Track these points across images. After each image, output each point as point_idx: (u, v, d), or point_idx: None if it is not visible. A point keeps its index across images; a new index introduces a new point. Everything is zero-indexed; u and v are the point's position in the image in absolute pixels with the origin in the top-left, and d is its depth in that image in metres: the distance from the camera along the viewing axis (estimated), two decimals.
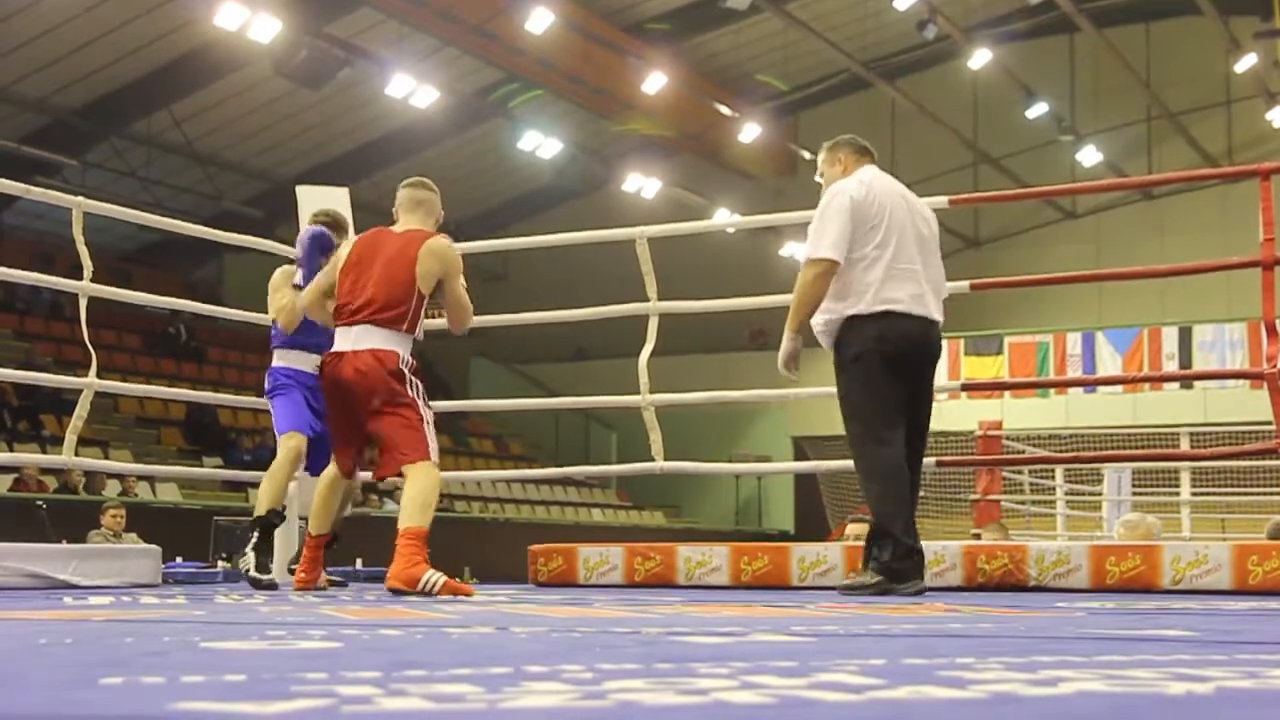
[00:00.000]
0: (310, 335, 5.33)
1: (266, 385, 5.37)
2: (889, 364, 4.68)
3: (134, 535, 9.66)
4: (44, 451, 13.96)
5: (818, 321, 4.78)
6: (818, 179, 5.07)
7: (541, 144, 19.85)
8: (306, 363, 5.36)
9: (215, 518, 9.12)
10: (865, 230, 4.70)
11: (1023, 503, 12.27)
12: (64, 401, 15.11)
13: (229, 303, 10.23)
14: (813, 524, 20.13)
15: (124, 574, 5.10)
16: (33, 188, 5.56)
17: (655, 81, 18.67)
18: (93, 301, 5.26)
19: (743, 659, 1.75)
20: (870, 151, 5.03)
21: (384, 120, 19.93)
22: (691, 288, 6.34)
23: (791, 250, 22.23)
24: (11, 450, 13.93)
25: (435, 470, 4.72)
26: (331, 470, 4.97)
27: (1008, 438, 11.43)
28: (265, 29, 15.18)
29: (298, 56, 16.04)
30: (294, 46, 15.92)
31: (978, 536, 8.88)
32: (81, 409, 5.16)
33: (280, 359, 5.39)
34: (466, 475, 14.33)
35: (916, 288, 4.75)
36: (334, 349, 4.75)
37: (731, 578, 5.46)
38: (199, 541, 8.89)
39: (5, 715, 1.24)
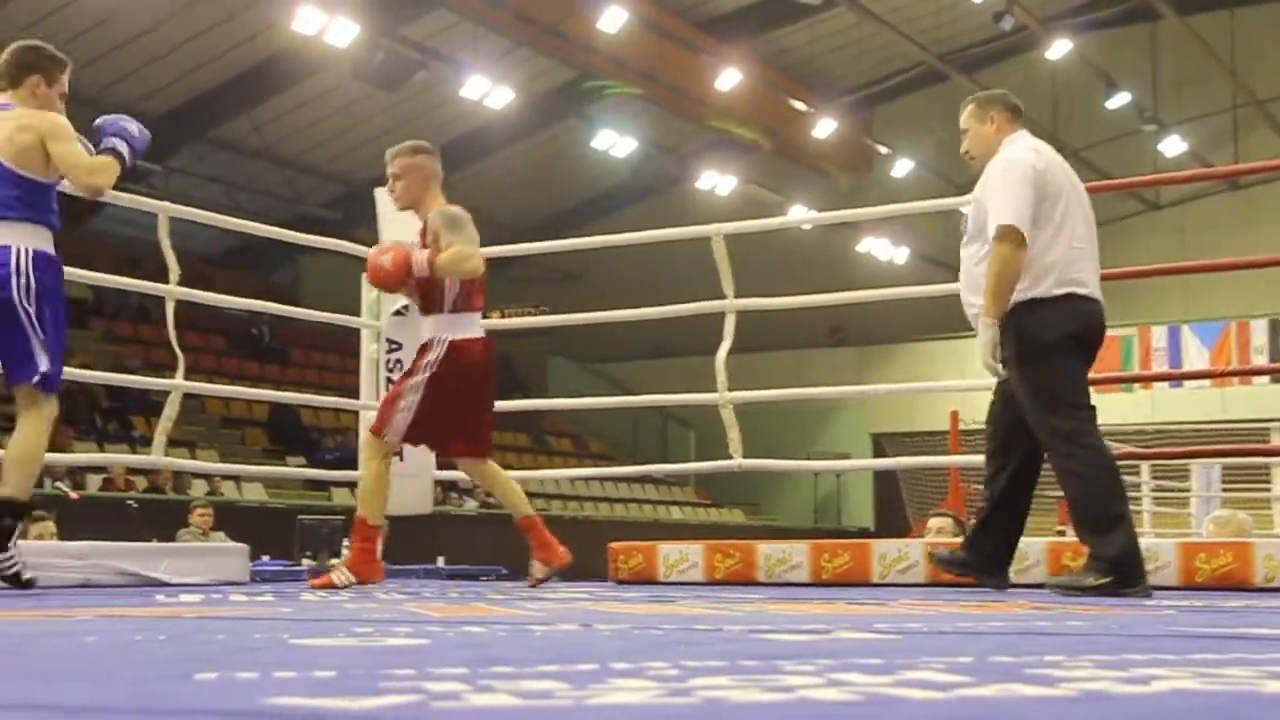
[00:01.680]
0: None
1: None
2: (1082, 350, 4.33)
3: (221, 534, 9.81)
4: (133, 452, 14.21)
5: (975, 304, 4.40)
6: (962, 137, 4.75)
7: (616, 143, 19.88)
8: None
9: (299, 516, 9.24)
10: (1045, 204, 4.31)
11: None
12: (152, 403, 15.37)
13: (307, 304, 10.35)
14: (892, 520, 20.01)
15: (213, 572, 5.18)
16: (120, 194, 5.65)
17: (729, 78, 18.63)
18: (179, 304, 5.34)
19: (827, 656, 1.75)
20: (1023, 112, 4.71)
21: (459, 122, 20.06)
22: (768, 284, 6.32)
23: (869, 246, 22.12)
24: (102, 450, 14.20)
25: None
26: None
27: None
28: (342, 33, 15.34)
29: (374, 60, 16.19)
30: (371, 50, 16.07)
31: (1062, 533, 8.78)
32: (170, 410, 5.24)
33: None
34: (545, 474, 14.37)
35: (1095, 268, 4.41)
36: (477, 335, 4.89)
37: (812, 575, 5.44)
38: (284, 540, 9.02)
39: (103, 709, 1.27)
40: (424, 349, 4.86)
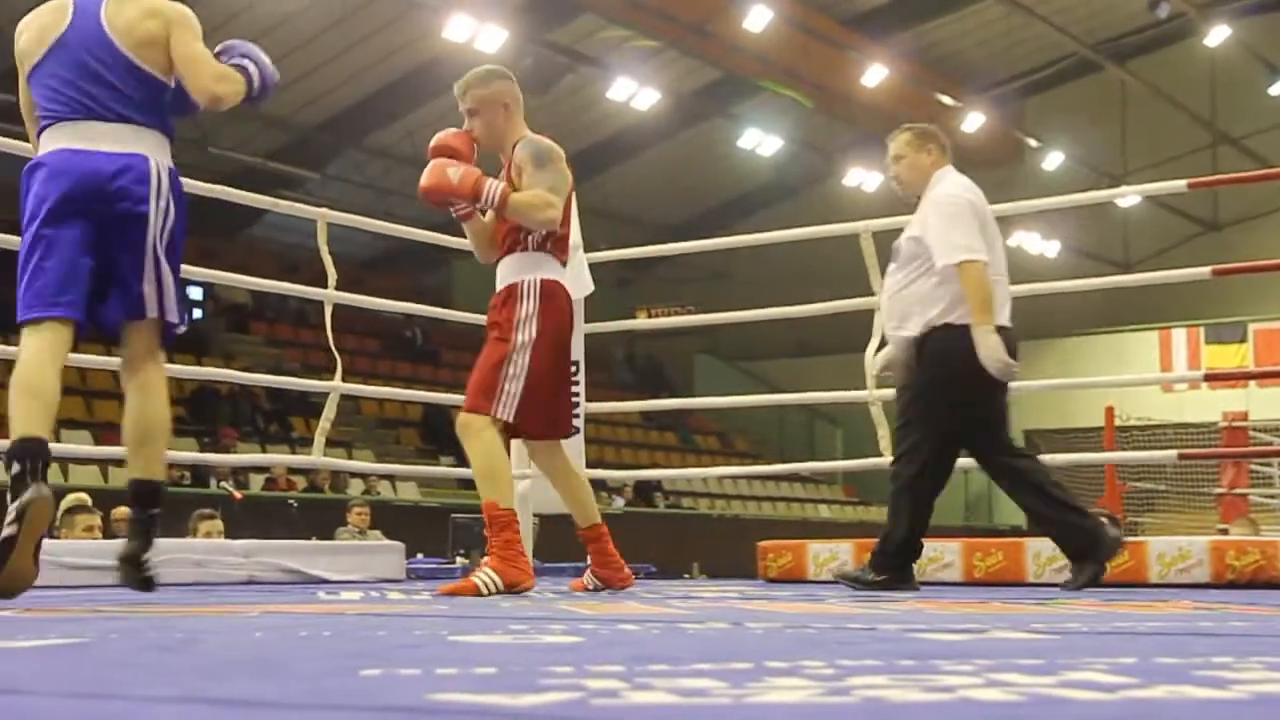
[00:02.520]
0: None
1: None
2: (998, 381, 4.47)
3: (378, 532, 10.00)
4: (293, 452, 14.58)
5: (913, 327, 4.52)
6: (891, 162, 4.92)
7: (761, 141, 19.82)
8: None
9: (453, 515, 9.38)
10: (979, 238, 4.53)
11: (1273, 496, 11.72)
12: (310, 404, 15.74)
13: (458, 306, 10.50)
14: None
15: (370, 569, 5.29)
16: (280, 201, 5.81)
17: (875, 74, 18.45)
18: (335, 308, 5.46)
19: (986, 656, 1.72)
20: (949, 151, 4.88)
21: (607, 123, 20.18)
22: None
23: (1019, 239, 21.72)
24: (264, 451, 14.60)
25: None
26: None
27: (1254, 429, 10.94)
28: (492, 39, 15.54)
29: (523, 65, 16.37)
30: (519, 55, 16.26)
31: (1225, 532, 8.53)
32: (329, 411, 5.36)
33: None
34: (693, 472, 14.41)
35: (1007, 298, 4.62)
36: (566, 285, 4.29)
37: (964, 574, 5.36)
38: (438, 538, 9.16)
39: (278, 704, 1.30)
40: (510, 297, 4.16)
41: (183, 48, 3.44)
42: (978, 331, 4.38)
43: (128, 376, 3.46)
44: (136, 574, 3.39)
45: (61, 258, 3.31)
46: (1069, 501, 4.53)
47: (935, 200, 4.67)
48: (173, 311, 3.43)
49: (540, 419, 4.18)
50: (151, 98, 3.42)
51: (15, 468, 3.10)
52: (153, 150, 3.39)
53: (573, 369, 4.60)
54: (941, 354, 4.46)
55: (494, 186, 4.15)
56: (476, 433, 4.08)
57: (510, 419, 4.09)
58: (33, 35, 3.47)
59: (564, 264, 4.28)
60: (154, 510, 3.43)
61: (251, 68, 3.65)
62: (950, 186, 4.69)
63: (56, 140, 3.37)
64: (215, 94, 3.47)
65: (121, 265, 3.36)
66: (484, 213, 4.27)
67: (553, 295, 4.17)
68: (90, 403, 14.64)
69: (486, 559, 4.03)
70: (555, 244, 4.24)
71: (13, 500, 3.04)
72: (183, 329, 3.52)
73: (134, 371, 3.45)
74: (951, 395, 4.47)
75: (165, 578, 4.26)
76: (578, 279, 5.71)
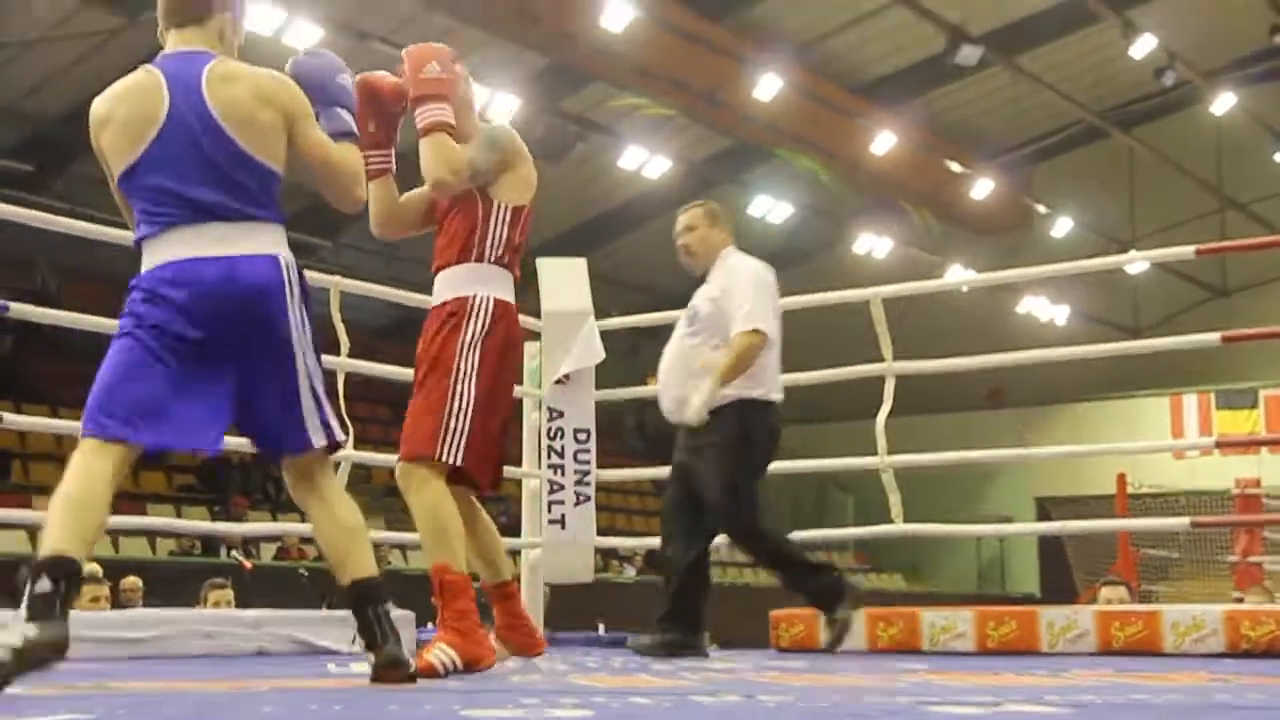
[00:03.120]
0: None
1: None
2: (772, 454, 4.83)
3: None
4: (304, 521, 14.51)
5: (707, 395, 4.66)
6: (683, 232, 5.18)
7: (772, 208, 19.90)
8: None
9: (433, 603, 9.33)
10: (775, 318, 4.79)
11: None
12: None
13: None
14: (1059, 586, 19.47)
15: None
16: None
17: (884, 141, 18.55)
18: (347, 375, 5.46)
19: None
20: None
21: (618, 191, 20.29)
22: (926, 346, 6.23)
23: (1028, 305, 21.73)
24: (275, 520, 14.57)
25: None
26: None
27: (1267, 495, 10.88)
28: (504, 107, 15.67)
29: (535, 133, 16.48)
30: (531, 124, 16.37)
31: (1240, 600, 8.46)
32: (340, 479, 5.34)
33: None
34: None
35: (779, 378, 4.88)
36: (505, 298, 3.72)
37: (977, 644, 5.32)
38: None
39: None
40: (455, 316, 3.62)
41: (317, 150, 3.13)
42: (712, 382, 4.60)
43: (302, 494, 3.18)
44: (405, 674, 3.03)
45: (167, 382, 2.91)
46: (807, 561, 4.87)
47: (740, 269, 4.90)
48: (333, 423, 3.09)
49: (487, 465, 3.64)
50: (274, 192, 3.10)
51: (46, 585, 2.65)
52: (283, 248, 3.06)
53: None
54: (731, 424, 4.68)
55: (449, 112, 3.64)
56: (420, 484, 3.53)
57: (458, 462, 3.53)
58: (121, 129, 2.97)
59: (517, 280, 3.79)
60: (384, 606, 3.07)
61: (348, 120, 3.25)
62: (752, 261, 4.93)
63: (174, 249, 2.92)
64: (358, 199, 3.23)
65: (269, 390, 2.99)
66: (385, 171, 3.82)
67: (505, 318, 3.66)
68: None
69: (437, 633, 3.52)
70: (513, 256, 3.74)
71: (30, 618, 2.57)
72: (342, 438, 3.18)
73: (310, 487, 3.16)
74: (738, 461, 4.70)
75: (175, 650, 4.24)
76: (588, 347, 5.73)
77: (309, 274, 5.86)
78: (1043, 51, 19.09)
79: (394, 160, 3.82)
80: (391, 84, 3.73)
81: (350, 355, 5.46)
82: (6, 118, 15.69)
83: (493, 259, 3.69)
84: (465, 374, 3.56)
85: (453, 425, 3.53)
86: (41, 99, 15.59)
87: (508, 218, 3.72)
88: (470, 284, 3.66)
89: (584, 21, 14.87)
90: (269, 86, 3.03)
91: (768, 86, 16.53)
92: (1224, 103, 19.14)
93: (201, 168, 2.94)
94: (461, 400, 3.54)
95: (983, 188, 20.34)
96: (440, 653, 3.39)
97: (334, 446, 3.15)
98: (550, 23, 15.70)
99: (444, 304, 3.68)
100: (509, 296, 3.70)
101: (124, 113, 2.97)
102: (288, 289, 2.99)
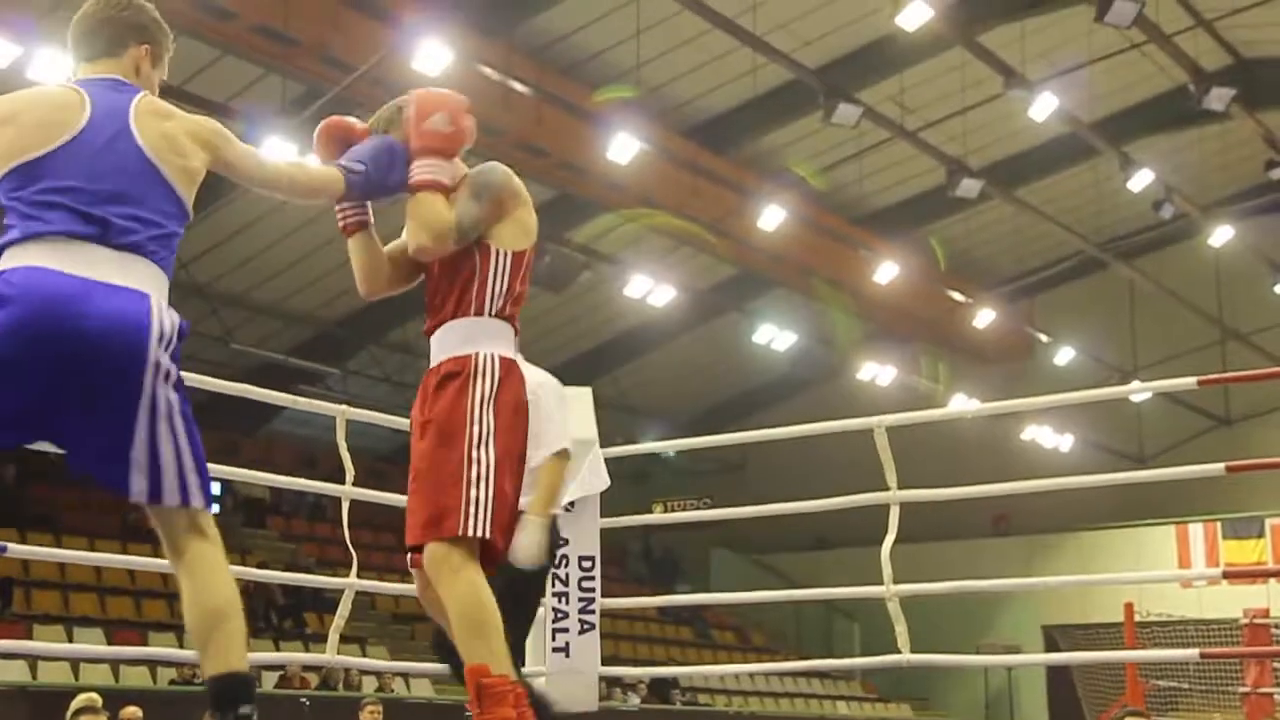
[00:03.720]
0: None
1: None
2: None
3: None
4: (306, 648, 14.39)
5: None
6: None
7: (776, 336, 20.01)
8: None
9: (466, 713, 9.19)
10: None
11: None
12: (325, 599, 15.60)
13: None
14: (1068, 716, 19.18)
15: None
16: (299, 398, 5.85)
17: (887, 271, 18.71)
18: (352, 502, 5.45)
19: None
20: None
21: (622, 319, 20.42)
22: (931, 473, 6.22)
23: (1032, 434, 21.71)
24: (277, 648, 14.41)
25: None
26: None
27: (1276, 626, 10.76)
28: None
29: (542, 263, 16.63)
30: (538, 255, 16.53)
31: None
32: (343, 608, 5.31)
33: None
34: (710, 669, 14.17)
35: None
36: (510, 355, 3.35)
37: None
38: None
39: None
40: (459, 376, 3.23)
41: (249, 159, 2.98)
42: (537, 520, 4.07)
43: (172, 561, 2.79)
44: None
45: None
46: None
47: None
48: (201, 480, 2.77)
49: (508, 536, 3.25)
50: (169, 234, 2.80)
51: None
52: (161, 291, 2.76)
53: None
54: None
55: (446, 170, 3.32)
56: (453, 571, 3.07)
57: (485, 534, 3.10)
58: (25, 129, 2.76)
59: (514, 325, 3.41)
60: (245, 708, 2.70)
61: (353, 167, 3.11)
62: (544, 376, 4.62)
63: (36, 257, 2.67)
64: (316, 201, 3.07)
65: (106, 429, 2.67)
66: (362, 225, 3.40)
67: (511, 376, 3.28)
68: (104, 599, 14.54)
69: None
70: (514, 308, 3.38)
71: None
72: (199, 503, 2.78)
73: (175, 555, 2.77)
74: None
75: None
76: (594, 474, 5.71)
77: (318, 403, 5.89)
78: (1042, 185, 19.35)
79: (369, 213, 3.40)
80: (362, 131, 3.39)
81: (356, 481, 5.46)
82: None
83: (494, 311, 3.31)
84: (481, 437, 3.14)
85: (474, 495, 3.11)
86: None
87: (507, 266, 3.33)
88: (471, 341, 3.27)
89: (591, 154, 15.09)
90: (203, 130, 2.89)
91: (771, 217, 16.72)
92: (1222, 235, 19.32)
93: (109, 188, 2.72)
94: (480, 466, 3.12)
95: (985, 317, 20.44)
96: None
97: (209, 501, 2.77)
98: (557, 156, 15.94)
99: (439, 365, 3.29)
100: (513, 353, 3.33)
101: (34, 116, 2.78)
102: (154, 331, 2.68)
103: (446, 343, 3.31)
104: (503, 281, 3.33)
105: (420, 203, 3.26)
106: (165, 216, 2.78)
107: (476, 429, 3.15)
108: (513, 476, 3.21)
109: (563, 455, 4.33)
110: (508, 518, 3.21)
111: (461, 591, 3.06)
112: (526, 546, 3.92)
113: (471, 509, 3.09)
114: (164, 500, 2.72)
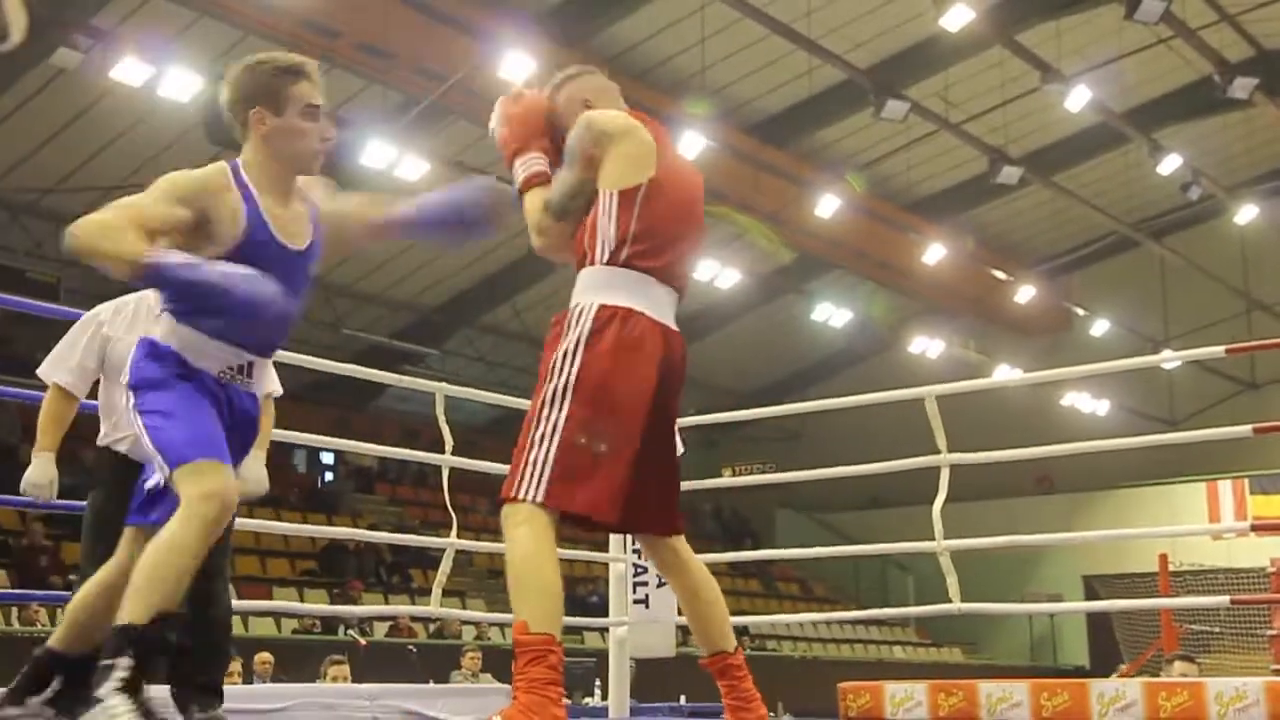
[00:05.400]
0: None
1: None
2: None
3: (489, 675, 9.90)
4: (412, 601, 14.55)
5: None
6: None
7: (833, 314, 19.88)
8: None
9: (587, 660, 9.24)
10: None
11: None
12: (429, 557, 15.76)
13: None
14: (1107, 659, 18.95)
15: (483, 710, 5.20)
16: (403, 377, 5.90)
17: (934, 253, 18.52)
18: (451, 470, 5.49)
19: None
20: None
21: (693, 300, 20.25)
22: (977, 438, 6.14)
23: (1071, 400, 21.43)
24: (386, 601, 14.60)
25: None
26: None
27: None
28: None
29: None
30: None
31: (1278, 672, 8.19)
32: (445, 565, 5.35)
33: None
34: (776, 618, 14.15)
35: None
36: (655, 316, 2.87)
37: (1033, 713, 5.17)
38: None
39: None
40: (557, 330, 2.82)
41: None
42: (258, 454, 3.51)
43: None
44: None
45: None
46: None
47: None
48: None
49: (593, 497, 2.71)
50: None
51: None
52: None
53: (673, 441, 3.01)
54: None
55: (529, 162, 2.99)
56: (510, 530, 2.73)
57: (538, 499, 2.69)
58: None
59: (661, 276, 2.89)
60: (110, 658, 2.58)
61: (170, 256, 2.63)
62: None
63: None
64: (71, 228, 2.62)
65: None
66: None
67: (611, 324, 2.78)
68: (234, 559, 14.77)
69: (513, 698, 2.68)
70: (636, 248, 2.84)
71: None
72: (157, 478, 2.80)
73: None
74: None
75: None
76: None
77: (419, 381, 5.95)
78: (1077, 170, 19.04)
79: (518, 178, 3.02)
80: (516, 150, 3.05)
81: (454, 452, 5.49)
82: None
83: (605, 259, 2.84)
84: (555, 395, 2.75)
85: (532, 456, 2.72)
86: None
87: (614, 208, 2.84)
88: (579, 293, 2.86)
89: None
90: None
91: (827, 205, 16.59)
92: (1247, 214, 18.95)
93: None
94: (545, 425, 2.73)
95: (1026, 293, 20.20)
96: None
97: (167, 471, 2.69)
98: None
99: (556, 318, 2.87)
100: (623, 300, 2.80)
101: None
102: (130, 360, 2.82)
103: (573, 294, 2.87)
104: (610, 225, 2.84)
105: (526, 206, 3.00)
106: None
107: (551, 385, 2.76)
108: (606, 436, 2.71)
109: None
110: (592, 486, 2.71)
111: (512, 550, 2.72)
112: (253, 481, 3.42)
113: (526, 471, 2.72)
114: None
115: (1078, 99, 15.22)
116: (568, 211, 2.90)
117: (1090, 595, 20.58)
